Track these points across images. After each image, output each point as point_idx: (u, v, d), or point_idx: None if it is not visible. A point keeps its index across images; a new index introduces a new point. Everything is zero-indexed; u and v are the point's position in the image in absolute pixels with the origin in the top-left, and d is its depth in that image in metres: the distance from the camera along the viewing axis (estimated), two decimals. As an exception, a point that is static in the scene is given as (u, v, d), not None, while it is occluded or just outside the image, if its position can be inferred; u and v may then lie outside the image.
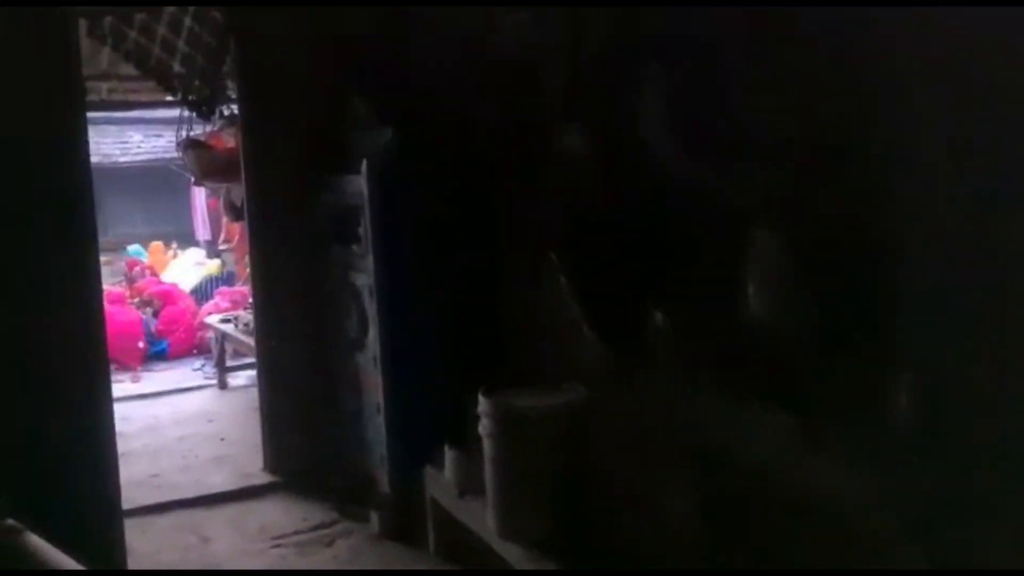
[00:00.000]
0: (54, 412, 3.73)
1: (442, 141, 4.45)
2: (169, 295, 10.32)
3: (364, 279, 4.63)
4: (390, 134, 4.52)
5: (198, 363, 9.49)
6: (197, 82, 5.23)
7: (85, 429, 3.98)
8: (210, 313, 10.01)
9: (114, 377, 9.19)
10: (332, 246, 5.01)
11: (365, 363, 4.76)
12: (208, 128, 6.42)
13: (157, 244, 16.09)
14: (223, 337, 7.56)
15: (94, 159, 14.40)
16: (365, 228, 4.53)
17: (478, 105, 4.51)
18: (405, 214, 4.52)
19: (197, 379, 8.86)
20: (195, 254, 15.24)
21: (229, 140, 6.12)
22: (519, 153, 4.17)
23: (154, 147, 18.17)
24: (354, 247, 4.72)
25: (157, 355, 9.71)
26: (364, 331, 4.70)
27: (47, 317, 3.73)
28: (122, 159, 17.24)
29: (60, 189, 3.77)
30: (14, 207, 3.68)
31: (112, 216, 20.45)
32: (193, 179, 5.93)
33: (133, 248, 16.11)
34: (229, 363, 7.88)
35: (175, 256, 15.34)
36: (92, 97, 8.44)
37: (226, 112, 5.87)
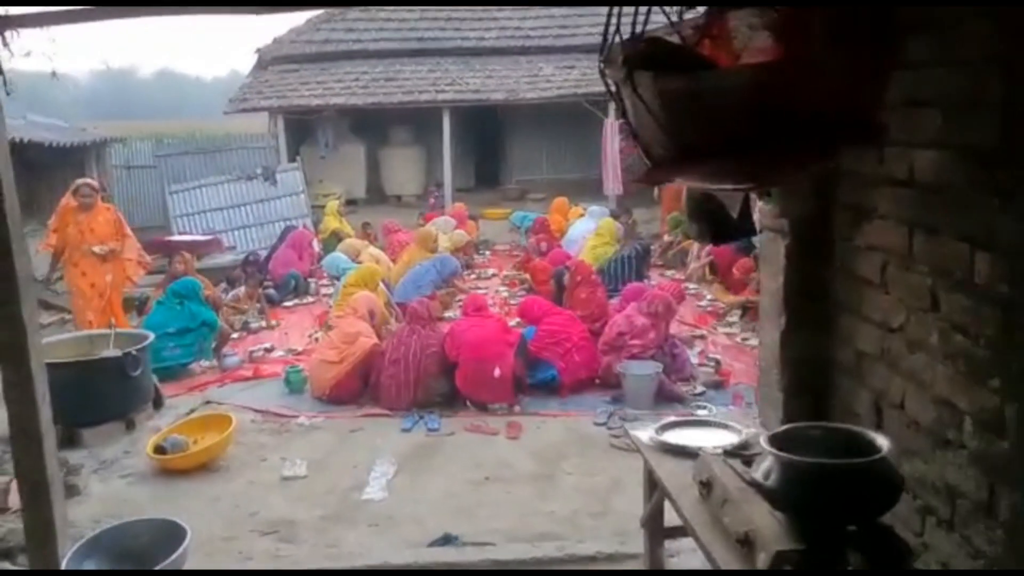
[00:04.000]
0: None
1: None
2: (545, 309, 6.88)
3: None
4: None
5: (602, 405, 6.14)
6: None
7: None
8: (622, 335, 6.49)
9: (485, 423, 5.84)
10: None
11: None
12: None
13: (560, 200, 12.91)
14: (658, 485, 2.96)
15: (497, 95, 11.58)
16: None
17: None
18: None
19: (599, 440, 5.54)
20: (596, 213, 11.87)
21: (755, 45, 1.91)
22: None
23: (565, 80, 15.32)
24: None
25: (544, 384, 6.46)
26: None
27: None
28: (530, 94, 14.64)
29: None
30: None
31: (516, 160, 18.32)
32: (635, 174, 2.00)
33: (518, 215, 13.10)
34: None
35: (581, 215, 12.04)
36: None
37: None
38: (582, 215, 11.90)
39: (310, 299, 10.02)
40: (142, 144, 16.07)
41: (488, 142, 17.41)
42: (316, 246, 11.44)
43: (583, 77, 15.36)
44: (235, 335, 8.23)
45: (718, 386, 6.51)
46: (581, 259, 8.06)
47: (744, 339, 7.85)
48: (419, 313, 6.41)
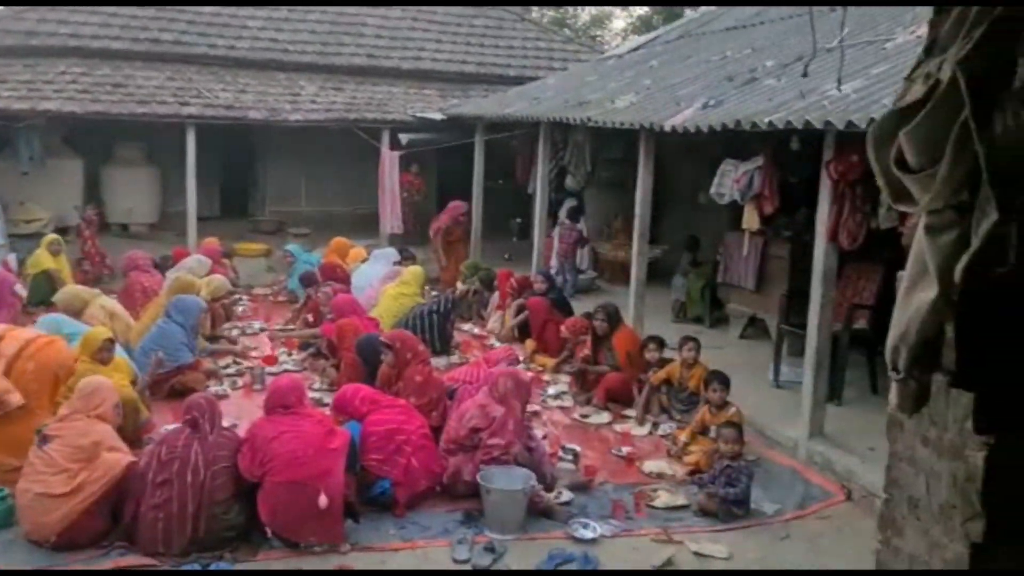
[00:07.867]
0: None
1: None
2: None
3: None
4: None
5: (455, 526, 4.68)
6: None
7: None
8: (476, 432, 4.97)
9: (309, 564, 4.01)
10: None
11: None
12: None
13: (339, 240, 11.08)
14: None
15: (256, 114, 9.64)
16: None
17: None
18: None
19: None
20: (385, 257, 10.38)
21: None
22: None
23: (333, 103, 13.47)
24: None
25: (375, 501, 4.85)
26: None
27: None
28: (294, 116, 12.62)
29: None
30: None
31: (271, 188, 15.08)
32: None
33: (295, 247, 10.98)
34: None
35: (363, 259, 10.35)
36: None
37: None
38: (365, 259, 10.30)
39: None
40: None
41: (235, 166, 15.13)
42: (21, 292, 8.74)
43: (353, 101, 13.81)
44: None
45: (583, 488, 5.31)
46: (404, 332, 6.47)
47: (584, 416, 6.76)
48: (201, 409, 4.53)
